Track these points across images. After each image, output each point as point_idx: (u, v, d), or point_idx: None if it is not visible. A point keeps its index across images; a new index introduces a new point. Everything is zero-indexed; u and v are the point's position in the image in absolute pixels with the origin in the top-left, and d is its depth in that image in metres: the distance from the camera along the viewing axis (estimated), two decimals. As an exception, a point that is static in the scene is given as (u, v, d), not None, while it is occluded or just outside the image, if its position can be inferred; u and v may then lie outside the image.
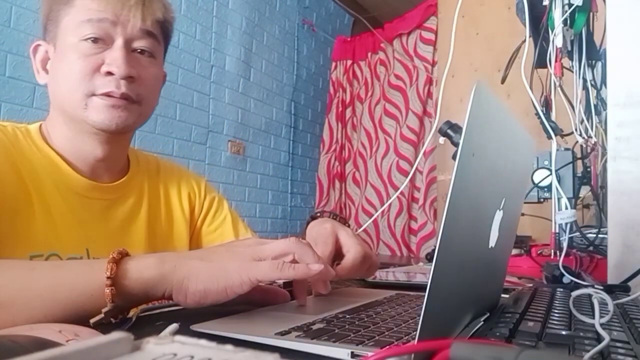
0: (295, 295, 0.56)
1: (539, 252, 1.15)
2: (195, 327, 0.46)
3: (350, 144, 3.63)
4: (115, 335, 0.22)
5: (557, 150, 1.02)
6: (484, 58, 2.61)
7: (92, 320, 0.46)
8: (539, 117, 1.04)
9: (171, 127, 2.53)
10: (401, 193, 3.12)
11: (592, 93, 1.18)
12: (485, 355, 0.24)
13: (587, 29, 1.12)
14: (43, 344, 0.33)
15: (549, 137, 1.01)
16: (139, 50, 0.74)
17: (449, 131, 0.92)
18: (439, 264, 0.31)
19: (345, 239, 0.67)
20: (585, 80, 1.14)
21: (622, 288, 0.72)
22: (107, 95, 0.70)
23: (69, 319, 0.46)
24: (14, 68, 1.88)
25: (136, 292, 0.49)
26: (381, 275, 0.92)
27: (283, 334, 0.43)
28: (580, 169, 1.16)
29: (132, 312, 0.51)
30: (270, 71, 3.25)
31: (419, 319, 0.31)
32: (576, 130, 1.07)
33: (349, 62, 3.69)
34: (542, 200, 1.19)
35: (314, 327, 0.46)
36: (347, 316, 0.51)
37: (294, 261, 0.52)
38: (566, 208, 1.03)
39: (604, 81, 1.13)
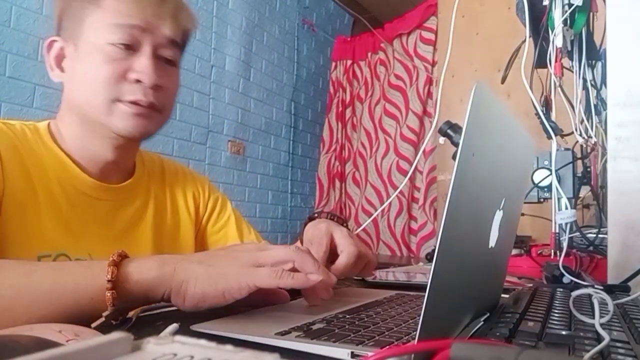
0: (306, 299, 0.56)
1: (539, 252, 1.14)
2: (195, 327, 0.46)
3: (350, 144, 3.63)
4: (115, 335, 0.22)
5: (557, 150, 1.02)
6: (484, 58, 2.61)
7: (93, 325, 0.46)
8: (539, 117, 1.04)
9: (171, 127, 2.52)
10: (401, 193, 3.12)
11: (592, 93, 1.18)
12: (485, 355, 0.24)
13: (587, 29, 1.12)
14: (43, 344, 0.33)
15: (549, 137, 1.01)
16: (163, 59, 0.73)
17: (449, 131, 0.92)
18: (439, 264, 0.31)
19: (339, 239, 0.67)
20: (585, 80, 1.14)
21: (622, 288, 0.72)
22: (134, 103, 0.69)
23: (68, 321, 0.46)
24: (14, 68, 1.88)
25: (136, 294, 0.49)
26: (381, 275, 0.92)
27: (283, 334, 0.43)
28: (580, 169, 1.16)
29: (132, 313, 0.51)
30: (270, 71, 3.25)
31: (419, 319, 0.31)
32: (576, 130, 1.07)
33: (349, 62, 3.69)
34: (542, 200, 1.18)
35: (314, 327, 0.46)
36: (347, 316, 0.51)
37: (293, 269, 0.52)
38: (566, 208, 1.03)
39: (604, 81, 1.13)
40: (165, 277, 0.50)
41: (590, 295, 0.56)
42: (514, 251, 1.17)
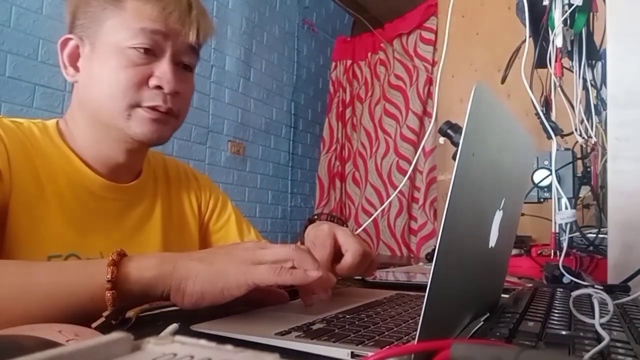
0: (302, 297, 0.56)
1: (539, 252, 1.14)
2: (195, 327, 0.46)
3: (350, 144, 3.63)
4: (115, 335, 0.22)
5: (557, 150, 1.02)
6: (484, 58, 2.61)
7: (93, 325, 0.46)
8: (539, 117, 1.04)
9: (171, 127, 2.52)
10: (401, 193, 3.12)
11: (592, 93, 1.18)
12: (485, 355, 0.24)
13: (587, 29, 1.12)
14: (43, 344, 0.33)
15: (549, 137, 1.01)
16: (181, 64, 0.73)
17: (449, 131, 0.92)
18: (439, 264, 0.31)
19: (343, 239, 0.67)
20: (585, 80, 1.13)
21: (622, 288, 0.72)
22: (153, 108, 0.69)
23: (68, 321, 0.46)
24: (14, 68, 1.88)
25: (136, 293, 0.49)
26: (381, 275, 0.92)
27: (283, 334, 0.43)
28: (580, 169, 1.16)
29: (132, 313, 0.51)
30: (270, 71, 3.25)
31: (419, 319, 0.31)
32: (576, 130, 1.07)
33: (349, 62, 3.69)
34: (542, 200, 1.18)
35: (314, 327, 0.46)
36: (347, 316, 0.51)
37: (293, 268, 0.52)
38: (566, 208, 1.03)
39: (604, 81, 1.13)
40: (165, 275, 0.50)
41: (590, 295, 0.56)
42: (514, 251, 1.17)
